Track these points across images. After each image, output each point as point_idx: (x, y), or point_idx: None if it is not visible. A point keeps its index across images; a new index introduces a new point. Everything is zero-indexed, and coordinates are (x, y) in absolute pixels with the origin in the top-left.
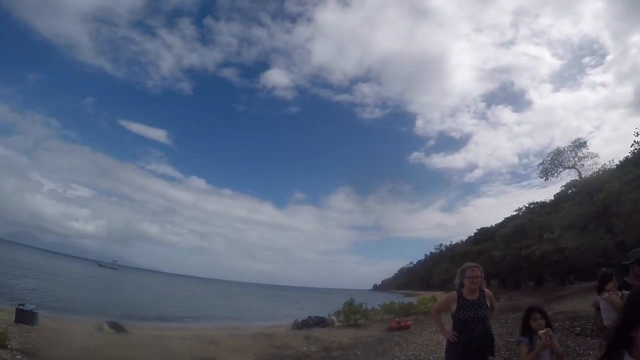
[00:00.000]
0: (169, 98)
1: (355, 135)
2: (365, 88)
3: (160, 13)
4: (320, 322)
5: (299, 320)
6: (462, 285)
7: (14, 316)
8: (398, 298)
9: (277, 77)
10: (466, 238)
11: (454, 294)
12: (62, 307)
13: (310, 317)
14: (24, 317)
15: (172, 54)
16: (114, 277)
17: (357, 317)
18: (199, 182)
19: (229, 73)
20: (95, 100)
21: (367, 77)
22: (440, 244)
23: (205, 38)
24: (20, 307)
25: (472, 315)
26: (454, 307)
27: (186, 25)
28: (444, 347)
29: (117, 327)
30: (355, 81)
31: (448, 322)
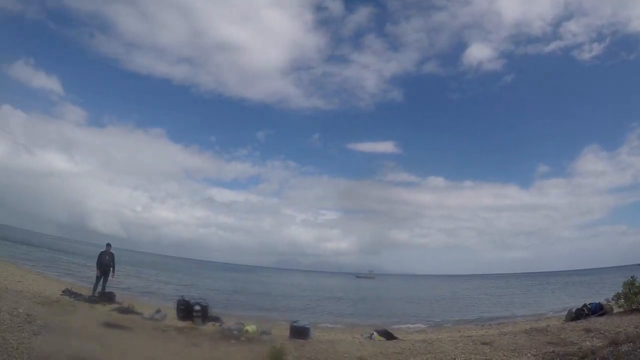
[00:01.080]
0: (384, 111)
1: (581, 83)
2: (571, 26)
3: (343, 41)
4: (597, 310)
5: (573, 310)
6: None
7: (289, 332)
8: None
9: (478, 53)
10: None
11: None
12: (330, 320)
13: (585, 304)
14: (298, 332)
15: (371, 71)
16: (372, 286)
17: None
18: (437, 181)
19: (430, 67)
20: (320, 135)
21: (568, 13)
22: None
23: (394, 44)
24: (294, 323)
25: None
26: None
27: (372, 41)
28: None
29: (386, 335)
30: (558, 23)
31: None
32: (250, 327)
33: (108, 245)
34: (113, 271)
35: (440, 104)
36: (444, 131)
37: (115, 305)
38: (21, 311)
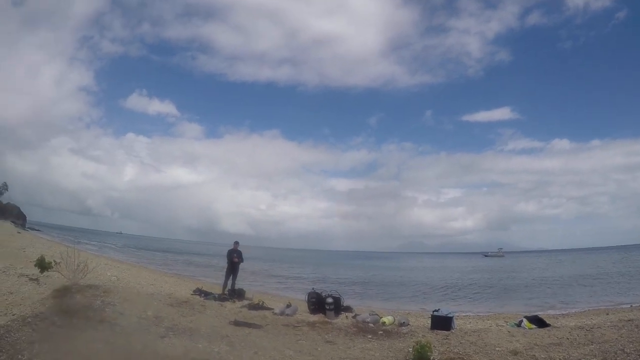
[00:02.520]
0: (494, 75)
1: None
2: None
3: (437, 9)
4: None
5: None
6: None
7: (430, 323)
8: None
9: None
10: None
11: None
12: (468, 306)
13: None
14: (440, 322)
15: (472, 35)
16: (503, 265)
17: None
18: (561, 144)
19: (534, 18)
20: (432, 112)
21: None
22: None
23: (491, 1)
24: (435, 312)
25: None
26: None
27: (466, 3)
28: None
29: (537, 322)
30: None
31: None
32: (387, 319)
33: (236, 242)
34: (240, 261)
35: (552, 57)
36: (561, 87)
37: (245, 302)
38: (149, 314)
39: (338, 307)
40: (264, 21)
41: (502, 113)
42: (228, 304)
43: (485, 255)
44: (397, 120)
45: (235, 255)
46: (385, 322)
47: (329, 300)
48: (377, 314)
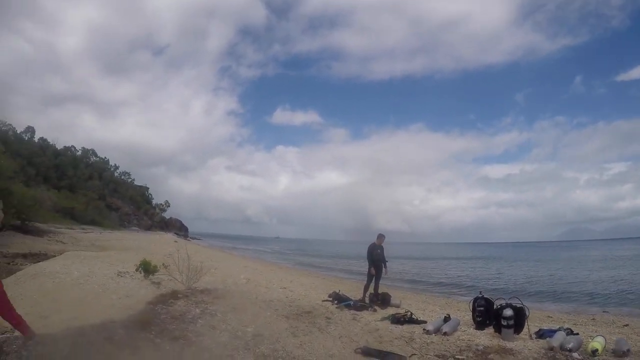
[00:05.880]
0: None
1: None
2: None
3: None
4: None
5: None
6: None
7: None
8: None
9: None
10: None
11: None
12: None
13: None
14: None
15: None
16: None
17: None
18: None
19: None
20: (582, 77)
21: None
22: None
23: None
24: None
25: None
26: None
27: None
28: None
29: None
30: None
31: None
32: (598, 343)
33: (380, 236)
34: (385, 267)
35: None
36: None
37: (388, 311)
38: (249, 330)
39: (520, 322)
40: (387, 16)
41: None
42: (365, 314)
43: None
44: (545, 92)
45: (378, 251)
46: (597, 350)
47: (507, 312)
48: (569, 329)
